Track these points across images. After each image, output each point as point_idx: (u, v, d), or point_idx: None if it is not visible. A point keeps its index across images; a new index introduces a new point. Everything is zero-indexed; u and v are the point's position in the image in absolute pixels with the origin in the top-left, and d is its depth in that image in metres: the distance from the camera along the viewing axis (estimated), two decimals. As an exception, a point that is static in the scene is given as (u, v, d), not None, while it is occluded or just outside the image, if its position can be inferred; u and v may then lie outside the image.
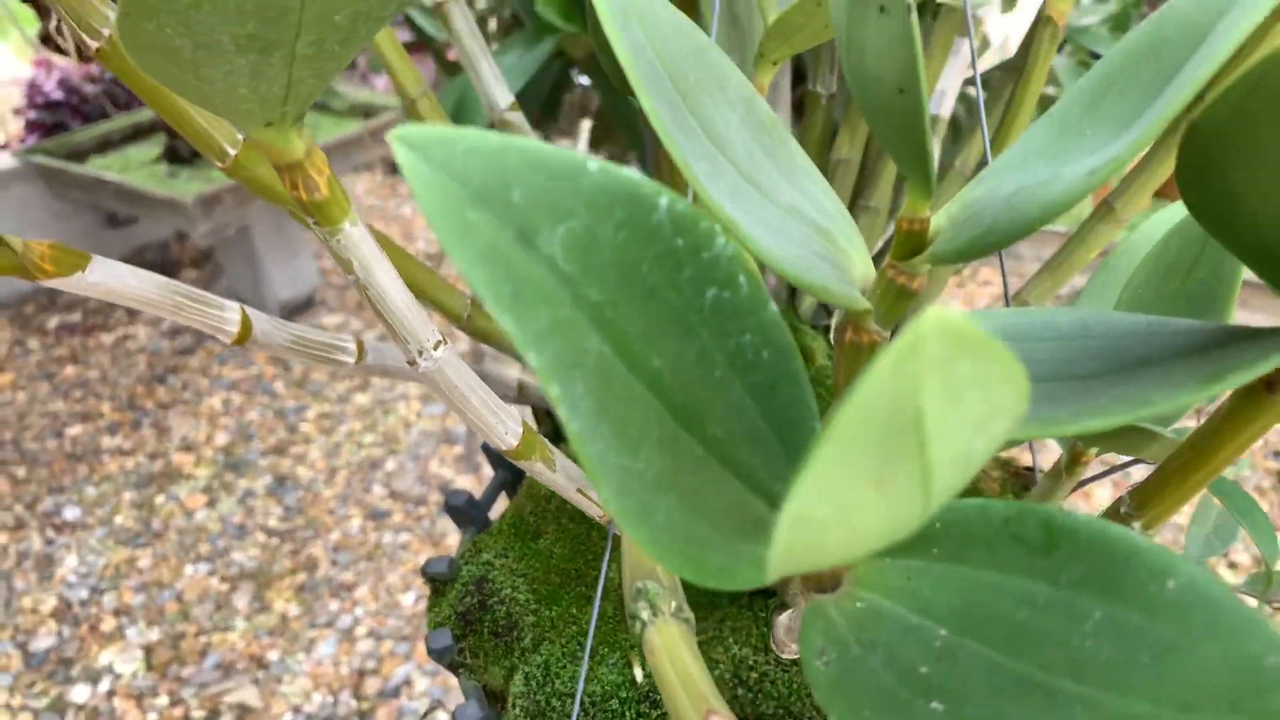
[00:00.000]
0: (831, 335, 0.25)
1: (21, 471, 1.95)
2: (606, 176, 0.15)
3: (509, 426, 0.31)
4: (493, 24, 1.15)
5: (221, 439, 2.02)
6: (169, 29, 0.19)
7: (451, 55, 1.36)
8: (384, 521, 1.82)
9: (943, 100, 0.52)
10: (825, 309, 0.52)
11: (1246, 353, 0.19)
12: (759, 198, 0.22)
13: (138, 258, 2.62)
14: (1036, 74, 0.39)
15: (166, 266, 2.59)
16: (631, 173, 0.16)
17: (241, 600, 1.68)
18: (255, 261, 2.30)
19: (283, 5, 0.19)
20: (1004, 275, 0.39)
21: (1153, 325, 0.22)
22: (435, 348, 0.29)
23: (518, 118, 0.43)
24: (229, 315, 0.35)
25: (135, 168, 2.18)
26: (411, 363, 0.29)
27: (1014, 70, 0.44)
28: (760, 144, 0.23)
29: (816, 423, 0.19)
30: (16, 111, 2.41)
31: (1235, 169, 0.18)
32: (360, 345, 0.40)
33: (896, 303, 0.23)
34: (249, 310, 0.36)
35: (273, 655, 1.57)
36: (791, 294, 0.51)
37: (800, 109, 0.52)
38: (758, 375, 0.18)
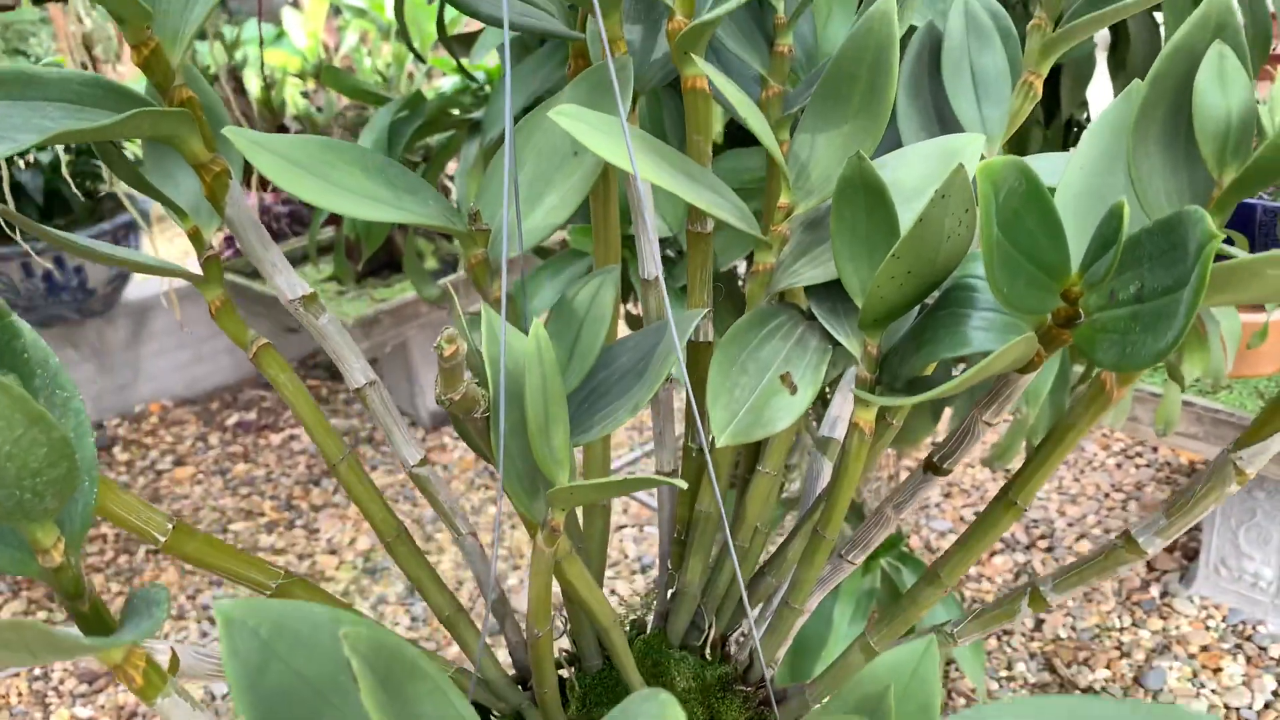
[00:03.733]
0: None
1: (189, 563, 2.16)
2: None
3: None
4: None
5: (363, 543, 2.16)
6: None
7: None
8: (500, 640, 1.90)
9: (835, 425, 0.55)
10: (696, 627, 0.54)
11: None
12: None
13: (312, 359, 2.85)
14: (849, 474, 0.42)
15: (334, 370, 2.81)
16: None
17: (359, 710, 1.79)
18: (411, 374, 2.48)
19: None
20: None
21: None
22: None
23: (425, 470, 0.49)
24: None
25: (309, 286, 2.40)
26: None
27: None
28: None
29: None
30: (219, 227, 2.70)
31: None
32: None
33: None
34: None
35: (379, 769, 1.66)
36: (665, 616, 0.54)
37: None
38: None
